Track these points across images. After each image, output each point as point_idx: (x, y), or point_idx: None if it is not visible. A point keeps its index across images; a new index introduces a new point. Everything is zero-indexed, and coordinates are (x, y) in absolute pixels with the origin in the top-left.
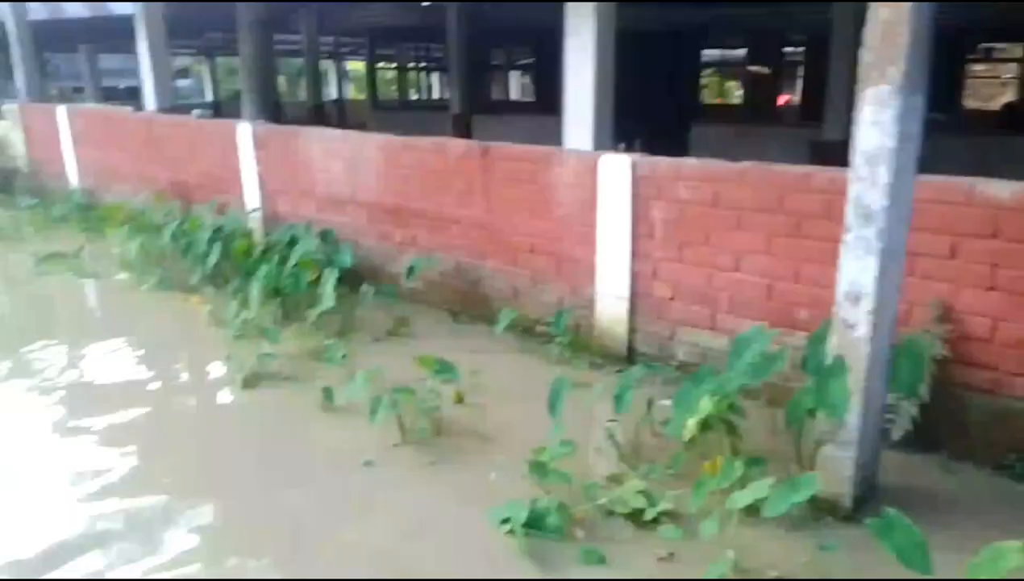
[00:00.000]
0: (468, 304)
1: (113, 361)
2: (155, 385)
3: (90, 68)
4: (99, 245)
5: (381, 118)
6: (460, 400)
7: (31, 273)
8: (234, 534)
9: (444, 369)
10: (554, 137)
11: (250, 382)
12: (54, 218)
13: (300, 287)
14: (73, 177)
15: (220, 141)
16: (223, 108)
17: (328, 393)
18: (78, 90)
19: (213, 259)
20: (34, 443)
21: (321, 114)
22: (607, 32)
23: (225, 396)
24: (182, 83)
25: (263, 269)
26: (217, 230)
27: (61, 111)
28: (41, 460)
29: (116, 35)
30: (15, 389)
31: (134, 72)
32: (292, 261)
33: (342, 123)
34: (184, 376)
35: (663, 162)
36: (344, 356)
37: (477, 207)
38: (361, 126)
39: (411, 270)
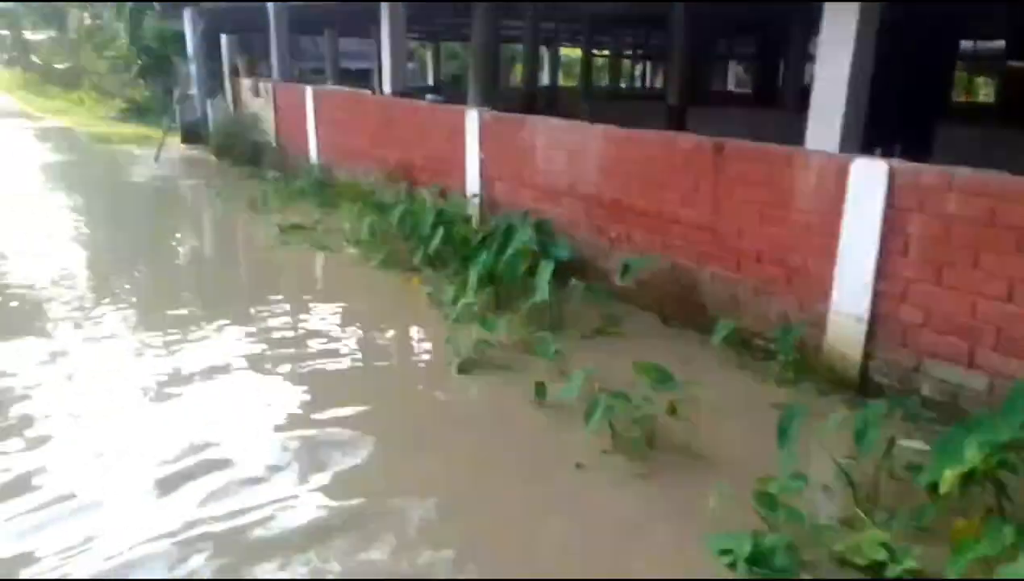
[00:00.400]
0: (681, 309)
1: (339, 327)
2: (375, 355)
3: (330, 50)
4: (333, 220)
5: (593, 107)
6: (673, 412)
7: (274, 241)
8: (439, 502)
9: (663, 378)
10: (772, 133)
11: (465, 367)
12: (295, 191)
13: (515, 276)
14: (313, 153)
15: (448, 126)
16: (443, 92)
17: (540, 389)
18: (317, 71)
19: (436, 243)
20: (255, 380)
21: (532, 101)
22: (868, 25)
23: (442, 378)
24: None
25: (482, 256)
26: (440, 214)
27: (308, 91)
28: (258, 393)
29: (359, 19)
30: (248, 336)
31: (365, 55)
32: (509, 250)
33: (552, 111)
34: (403, 352)
35: (929, 171)
36: (556, 352)
37: (702, 207)
38: (572, 115)
39: (626, 268)
